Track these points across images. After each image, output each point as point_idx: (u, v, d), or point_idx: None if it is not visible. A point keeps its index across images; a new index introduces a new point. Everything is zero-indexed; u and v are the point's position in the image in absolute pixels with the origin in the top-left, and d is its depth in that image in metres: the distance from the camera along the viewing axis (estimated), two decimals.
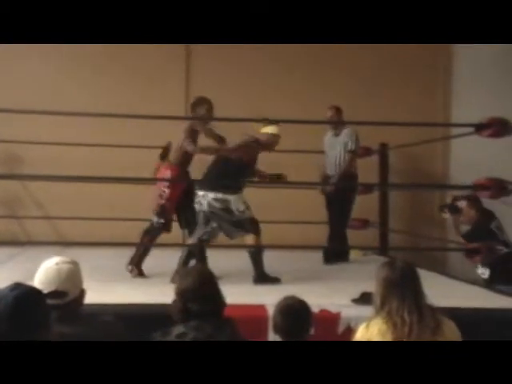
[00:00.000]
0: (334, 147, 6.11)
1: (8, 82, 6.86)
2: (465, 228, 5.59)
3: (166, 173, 4.98)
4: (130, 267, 4.88)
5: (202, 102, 5.04)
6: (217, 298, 2.60)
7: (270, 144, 4.93)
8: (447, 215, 5.61)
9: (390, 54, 7.18)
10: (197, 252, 4.78)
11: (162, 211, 4.93)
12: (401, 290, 2.51)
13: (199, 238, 4.82)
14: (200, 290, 2.52)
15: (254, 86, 7.20)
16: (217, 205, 4.67)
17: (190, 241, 4.90)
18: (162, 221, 4.93)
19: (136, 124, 5.92)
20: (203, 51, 7.02)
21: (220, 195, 4.66)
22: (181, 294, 2.55)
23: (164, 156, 5.11)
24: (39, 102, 6.21)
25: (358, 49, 6.69)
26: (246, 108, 6.34)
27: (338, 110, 6.09)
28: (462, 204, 5.46)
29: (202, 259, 4.78)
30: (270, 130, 4.90)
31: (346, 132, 6.06)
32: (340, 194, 5.98)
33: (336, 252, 6.04)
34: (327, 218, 6.26)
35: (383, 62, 7.38)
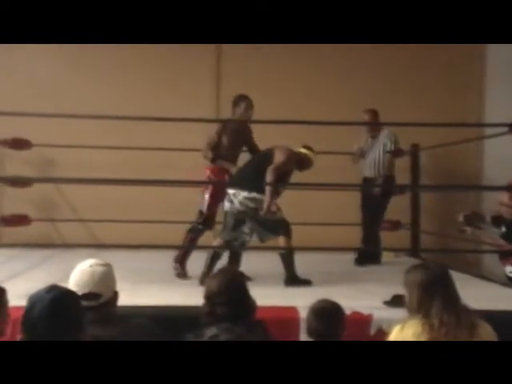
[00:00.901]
0: (373, 149, 6.12)
1: (34, 85, 6.95)
2: (496, 230, 5.45)
3: (206, 173, 5.05)
4: (175, 265, 4.94)
5: (239, 100, 5.10)
6: (245, 299, 2.59)
7: (302, 164, 4.92)
8: (469, 230, 5.36)
9: (423, 54, 7.12)
10: (221, 254, 4.77)
11: (203, 210, 4.99)
12: (437, 292, 2.48)
13: (226, 240, 4.80)
14: (227, 293, 2.53)
15: (286, 86, 7.20)
16: (249, 204, 4.66)
17: (216, 242, 4.89)
18: (201, 219, 4.98)
19: (167, 125, 5.95)
20: (234, 51, 7.05)
21: (253, 194, 4.64)
22: (208, 296, 2.57)
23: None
24: (68, 106, 6.31)
25: (390, 49, 6.66)
26: (277, 108, 6.34)
27: (374, 113, 6.07)
28: (504, 197, 5.17)
29: (236, 262, 4.80)
30: (307, 153, 4.93)
31: (384, 134, 6.07)
32: (378, 195, 5.97)
33: (369, 254, 6.02)
34: (361, 220, 6.25)
35: (415, 63, 7.32)
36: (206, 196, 4.99)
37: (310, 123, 5.82)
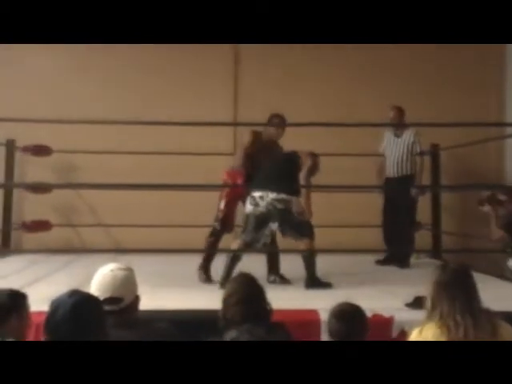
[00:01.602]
0: (396, 148, 6.04)
1: (49, 91, 7.00)
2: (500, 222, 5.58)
3: (224, 176, 5.06)
4: (199, 272, 4.92)
5: (273, 118, 5.07)
6: (261, 302, 2.62)
7: (314, 170, 4.89)
8: (487, 207, 5.59)
9: (441, 54, 7.09)
10: (240, 256, 4.71)
11: (218, 213, 4.99)
12: (452, 292, 2.46)
13: (246, 242, 4.77)
14: (243, 295, 2.56)
15: (303, 87, 7.19)
16: (278, 205, 4.63)
17: (235, 244, 4.85)
18: (218, 223, 4.97)
19: (186, 129, 5.96)
20: (251, 52, 7.06)
21: (282, 195, 4.63)
22: (225, 300, 2.60)
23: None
24: (88, 111, 6.35)
25: (408, 49, 6.63)
26: (295, 109, 6.32)
27: (399, 111, 6.00)
28: (503, 197, 5.49)
29: (275, 263, 4.89)
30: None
31: (408, 133, 5.98)
32: (407, 197, 5.92)
33: (397, 256, 5.95)
34: (382, 221, 6.18)
35: (434, 63, 7.28)
36: (220, 201, 4.99)
37: (327, 125, 5.80)
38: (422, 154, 6.03)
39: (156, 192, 6.36)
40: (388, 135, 6.16)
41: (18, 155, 6.82)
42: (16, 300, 2.59)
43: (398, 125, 6.00)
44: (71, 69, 7.12)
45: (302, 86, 7.17)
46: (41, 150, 6.66)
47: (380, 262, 5.95)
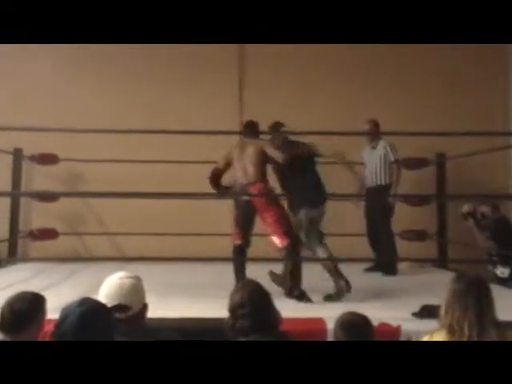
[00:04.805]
0: (373, 159, 6.22)
1: (62, 100, 7.04)
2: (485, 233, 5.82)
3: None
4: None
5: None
6: (269, 311, 2.58)
7: None
8: (471, 221, 5.88)
9: (448, 62, 7.09)
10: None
11: (282, 228, 4.68)
12: (464, 301, 2.48)
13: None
14: (249, 305, 2.53)
15: (309, 96, 7.19)
16: None
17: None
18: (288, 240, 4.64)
19: (193, 137, 5.95)
20: (256, 59, 7.10)
21: None
22: (232, 310, 2.57)
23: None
24: (95, 119, 6.38)
25: (413, 56, 6.63)
26: (299, 118, 6.29)
27: (375, 124, 6.18)
28: (486, 209, 5.79)
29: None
30: None
31: (381, 144, 6.16)
32: (385, 205, 6.05)
33: (383, 264, 6.01)
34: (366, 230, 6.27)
35: (440, 71, 7.28)
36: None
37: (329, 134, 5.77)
38: (396, 162, 6.13)
39: (162, 201, 6.35)
40: (367, 149, 6.35)
41: (24, 164, 6.85)
42: (38, 306, 2.56)
43: (388, 133, 6.06)
44: (78, 79, 7.16)
45: (308, 96, 7.17)
46: (47, 159, 6.69)
47: (368, 270, 6.02)
